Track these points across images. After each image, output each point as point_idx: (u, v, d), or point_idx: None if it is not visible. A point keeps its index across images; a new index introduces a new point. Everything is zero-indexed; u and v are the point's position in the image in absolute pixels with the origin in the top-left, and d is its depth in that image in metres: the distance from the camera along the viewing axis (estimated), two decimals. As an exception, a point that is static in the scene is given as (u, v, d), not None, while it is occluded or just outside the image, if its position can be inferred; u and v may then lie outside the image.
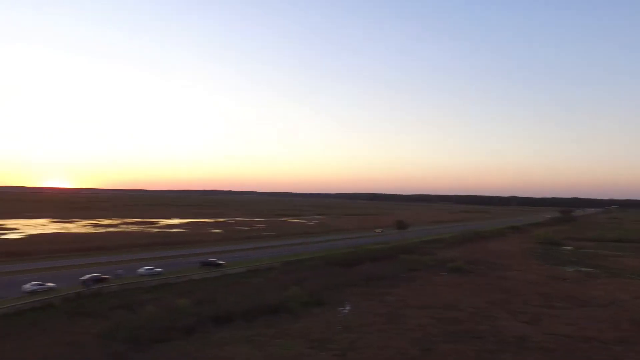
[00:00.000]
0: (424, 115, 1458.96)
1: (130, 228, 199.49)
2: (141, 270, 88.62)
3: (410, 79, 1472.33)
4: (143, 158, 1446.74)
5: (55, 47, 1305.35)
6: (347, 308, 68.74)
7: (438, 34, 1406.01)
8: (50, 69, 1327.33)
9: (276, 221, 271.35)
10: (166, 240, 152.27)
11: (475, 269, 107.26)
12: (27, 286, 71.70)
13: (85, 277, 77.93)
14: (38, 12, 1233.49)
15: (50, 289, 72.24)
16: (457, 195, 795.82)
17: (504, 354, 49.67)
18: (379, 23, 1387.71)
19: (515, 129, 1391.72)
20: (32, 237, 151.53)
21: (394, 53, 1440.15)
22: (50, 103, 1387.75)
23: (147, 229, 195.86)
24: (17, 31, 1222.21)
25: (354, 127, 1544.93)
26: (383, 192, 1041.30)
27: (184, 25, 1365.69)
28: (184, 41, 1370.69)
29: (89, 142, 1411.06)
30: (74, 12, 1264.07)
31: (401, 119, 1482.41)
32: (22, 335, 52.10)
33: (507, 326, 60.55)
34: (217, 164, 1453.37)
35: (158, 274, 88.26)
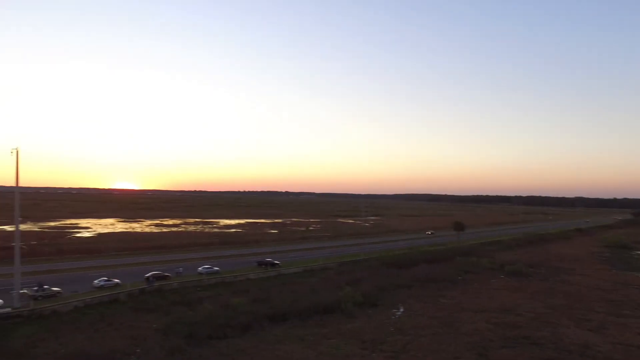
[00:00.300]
0: (483, 114, 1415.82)
1: (191, 228, 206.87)
2: (200, 269, 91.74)
3: (467, 77, 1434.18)
4: (203, 160, 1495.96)
5: (116, 55, 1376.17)
6: (401, 310, 68.10)
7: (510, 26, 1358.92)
8: (116, 74, 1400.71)
9: (332, 222, 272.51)
10: (224, 240, 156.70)
11: (536, 273, 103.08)
12: (96, 282, 76.34)
13: (148, 274, 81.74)
14: (102, 26, 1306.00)
15: (117, 284, 76.40)
16: (518, 197, 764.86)
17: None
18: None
19: (584, 124, 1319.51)
20: (101, 236, 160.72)
21: (455, 50, 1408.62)
22: (118, 109, 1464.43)
23: (207, 229, 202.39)
24: (84, 43, 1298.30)
25: (411, 128, 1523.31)
26: (441, 193, 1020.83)
27: (234, 32, 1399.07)
28: (238, 47, 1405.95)
29: (153, 145, 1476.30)
30: (121, 18, 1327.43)
31: (460, 119, 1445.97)
32: (92, 328, 55.59)
33: (569, 333, 57.79)
34: (275, 165, 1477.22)
35: (216, 272, 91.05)
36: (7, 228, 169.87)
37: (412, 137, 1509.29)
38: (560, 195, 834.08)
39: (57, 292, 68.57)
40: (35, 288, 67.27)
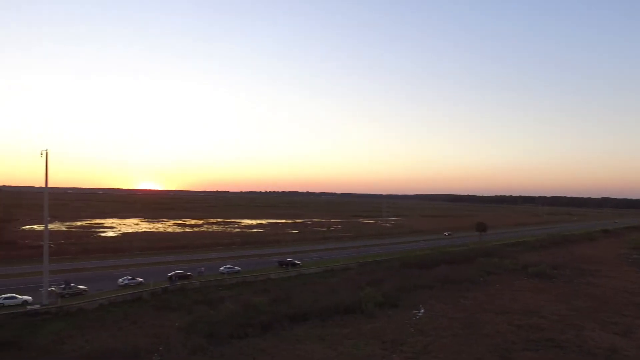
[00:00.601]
0: (508, 112, 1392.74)
1: (213, 228, 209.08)
2: (222, 268, 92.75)
3: (487, 77, 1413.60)
4: (224, 161, 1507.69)
5: (137, 58, 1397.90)
6: (422, 311, 67.81)
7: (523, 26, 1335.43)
8: (139, 76, 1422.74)
9: (353, 222, 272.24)
10: (245, 240, 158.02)
11: (560, 274, 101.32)
12: (121, 280, 77.94)
13: (171, 274, 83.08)
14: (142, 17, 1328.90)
15: (140, 283, 77.83)
16: (542, 197, 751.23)
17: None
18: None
19: (612, 123, 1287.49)
20: (125, 236, 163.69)
21: (482, 49, 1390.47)
22: (142, 111, 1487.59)
23: (228, 229, 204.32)
24: (107, 46, 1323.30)
25: (433, 128, 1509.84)
26: (463, 194, 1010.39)
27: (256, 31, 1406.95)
28: (259, 44, 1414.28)
29: (176, 146, 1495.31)
30: (163, 14, 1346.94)
31: (484, 117, 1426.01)
32: (116, 325, 56.81)
33: (594, 337, 56.79)
34: (296, 165, 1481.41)
35: (237, 272, 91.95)
36: (37, 227, 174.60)
37: (434, 136, 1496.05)
38: (586, 196, 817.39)
39: (83, 290, 70.28)
40: (63, 286, 69.04)
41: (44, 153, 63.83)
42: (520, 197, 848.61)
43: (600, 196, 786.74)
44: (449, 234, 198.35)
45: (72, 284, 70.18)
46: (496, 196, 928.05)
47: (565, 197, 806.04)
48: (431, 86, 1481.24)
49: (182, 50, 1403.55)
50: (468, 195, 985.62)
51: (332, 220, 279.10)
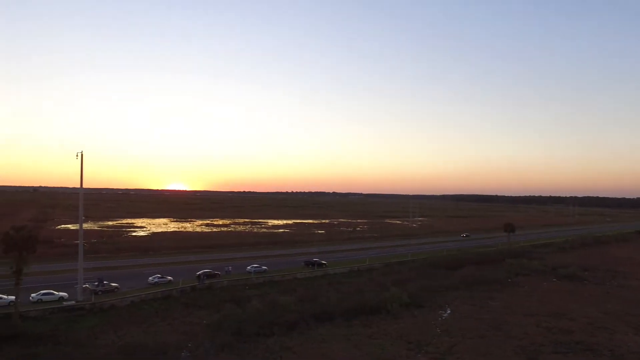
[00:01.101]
0: (538, 112, 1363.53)
1: (240, 228, 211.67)
2: (249, 267, 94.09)
3: (514, 75, 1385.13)
4: (250, 161, 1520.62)
5: (165, 59, 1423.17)
6: (448, 311, 67.46)
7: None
8: (167, 77, 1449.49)
9: (379, 222, 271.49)
10: (272, 240, 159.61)
11: (591, 276, 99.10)
12: (151, 278, 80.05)
13: (199, 272, 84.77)
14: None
15: (169, 281, 79.74)
16: (573, 197, 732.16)
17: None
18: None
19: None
20: (155, 235, 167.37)
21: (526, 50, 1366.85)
22: (170, 113, 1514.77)
23: (255, 229, 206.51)
24: (135, 48, 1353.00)
25: (460, 126, 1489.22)
26: (492, 194, 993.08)
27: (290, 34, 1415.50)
28: (285, 41, 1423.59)
29: (203, 147, 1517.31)
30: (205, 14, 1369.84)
31: (514, 118, 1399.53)
32: (147, 322, 58.51)
33: (627, 340, 55.47)
34: (322, 166, 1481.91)
35: (264, 271, 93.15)
36: (71, 227, 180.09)
37: (462, 136, 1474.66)
38: (620, 196, 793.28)
39: (115, 287, 72.50)
40: (96, 283, 71.39)
41: (79, 154, 66.23)
42: (550, 197, 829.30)
43: (635, 196, 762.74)
44: (466, 236, 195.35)
45: (105, 282, 72.49)
46: (525, 197, 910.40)
47: (597, 198, 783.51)
48: (458, 85, 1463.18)
49: (208, 51, 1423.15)
50: (496, 196, 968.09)
51: (358, 221, 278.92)
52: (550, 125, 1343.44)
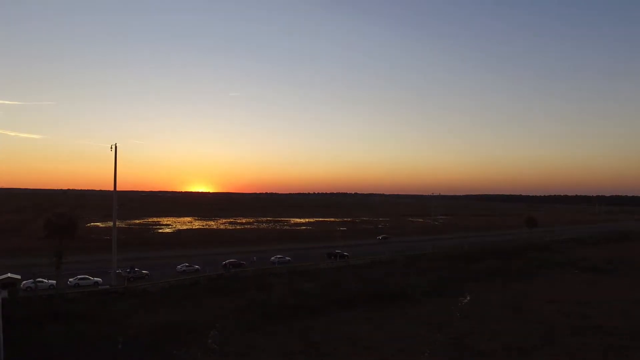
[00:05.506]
0: (564, 109, 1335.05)
1: (263, 225, 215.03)
2: (273, 258, 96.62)
3: (537, 74, 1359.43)
4: (273, 163, 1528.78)
5: (190, 60, 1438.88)
6: (468, 298, 68.60)
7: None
8: (189, 77, 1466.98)
9: (401, 220, 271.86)
10: (295, 235, 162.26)
11: (615, 269, 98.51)
12: (179, 267, 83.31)
13: (225, 262, 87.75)
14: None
15: (197, 270, 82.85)
16: (600, 196, 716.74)
17: (637, 351, 46.28)
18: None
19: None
20: (181, 232, 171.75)
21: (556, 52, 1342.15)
22: (193, 115, 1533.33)
23: (277, 227, 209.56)
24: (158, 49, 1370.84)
25: (483, 125, 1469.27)
26: (518, 194, 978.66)
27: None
28: (321, 45, 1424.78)
29: (226, 149, 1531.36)
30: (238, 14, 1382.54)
31: (539, 115, 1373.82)
32: (177, 305, 61.30)
33: (647, 324, 55.74)
34: (343, 166, 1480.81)
35: (287, 262, 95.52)
36: (100, 225, 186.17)
37: (487, 135, 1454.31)
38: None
39: (146, 274, 75.95)
40: (128, 270, 74.96)
41: (113, 147, 69.54)
42: (577, 196, 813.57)
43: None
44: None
45: (136, 269, 75.93)
46: (551, 195, 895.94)
47: (625, 197, 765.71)
48: (482, 83, 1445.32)
49: (242, 51, 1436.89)
50: (522, 195, 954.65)
51: (380, 219, 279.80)
52: (576, 123, 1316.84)
